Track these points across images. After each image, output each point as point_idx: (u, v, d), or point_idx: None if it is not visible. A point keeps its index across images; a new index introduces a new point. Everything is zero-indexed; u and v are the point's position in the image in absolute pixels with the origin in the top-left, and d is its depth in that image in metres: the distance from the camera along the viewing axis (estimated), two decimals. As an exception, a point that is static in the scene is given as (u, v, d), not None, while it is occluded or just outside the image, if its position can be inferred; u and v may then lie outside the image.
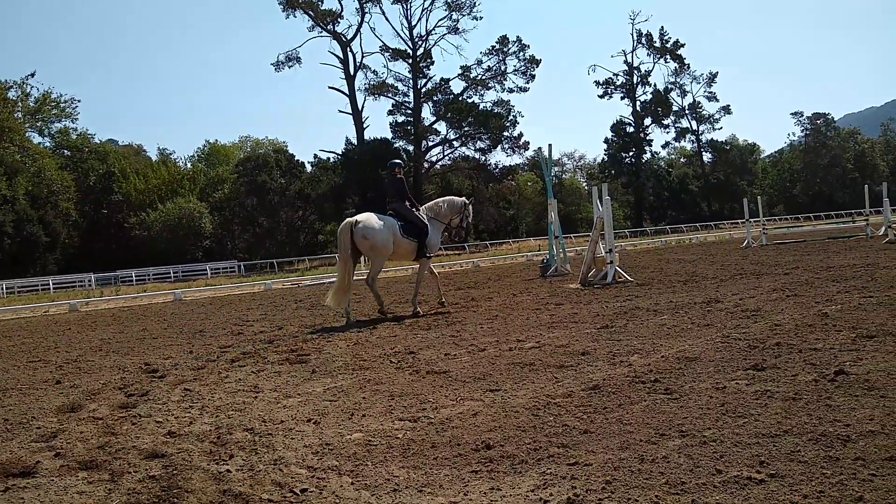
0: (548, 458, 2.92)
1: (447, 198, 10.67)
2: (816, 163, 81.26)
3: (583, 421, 3.41)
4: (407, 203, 9.72)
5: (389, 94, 64.18)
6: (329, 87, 62.82)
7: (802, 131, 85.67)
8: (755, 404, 3.43)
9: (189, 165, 72.80)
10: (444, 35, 64.58)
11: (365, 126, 62.11)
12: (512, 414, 3.67)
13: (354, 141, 62.40)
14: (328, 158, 64.43)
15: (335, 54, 61.73)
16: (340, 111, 62.91)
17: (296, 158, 64.52)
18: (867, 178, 67.32)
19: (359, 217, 9.45)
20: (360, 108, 62.05)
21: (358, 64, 62.27)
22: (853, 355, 4.34)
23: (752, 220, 21.92)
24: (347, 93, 61.84)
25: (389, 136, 64.42)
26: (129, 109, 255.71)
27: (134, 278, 41.32)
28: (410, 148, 65.02)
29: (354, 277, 9.93)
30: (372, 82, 63.16)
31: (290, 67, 61.00)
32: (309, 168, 64.89)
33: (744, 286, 9.19)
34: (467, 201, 10.55)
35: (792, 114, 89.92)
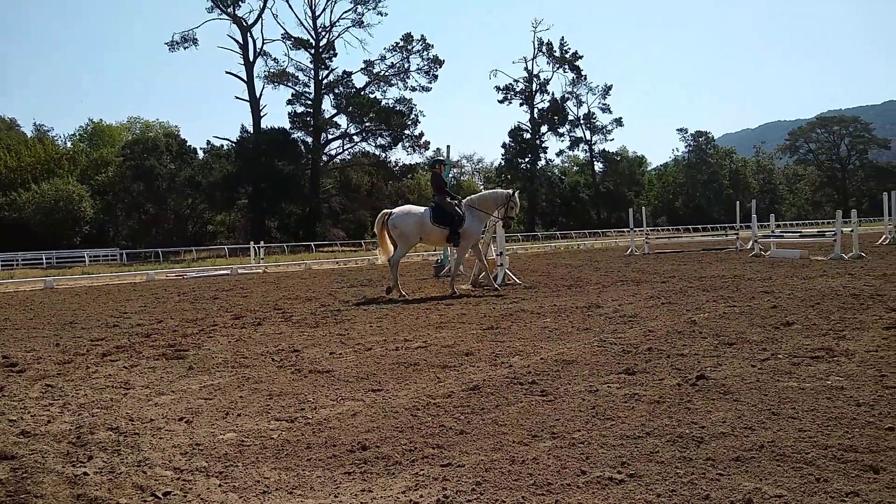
0: (422, 459, 2.94)
1: (492, 190, 11.82)
2: (697, 178, 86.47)
3: (460, 422, 3.47)
4: (446, 197, 10.89)
5: (289, 84, 62.75)
6: (226, 73, 60.72)
7: (686, 147, 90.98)
8: (623, 407, 3.60)
9: (69, 145, 68.13)
10: (348, 27, 63.86)
11: (262, 114, 60.44)
12: (391, 414, 3.67)
13: (251, 129, 60.54)
14: (222, 146, 62.24)
15: (235, 38, 59.76)
16: (237, 98, 60.95)
17: (187, 144, 61.98)
18: (740, 194, 72.32)
19: (394, 210, 11.08)
20: (258, 95, 60.32)
21: (258, 50, 60.53)
22: (714, 361, 4.64)
23: (636, 229, 23.02)
24: (245, 79, 59.94)
25: (288, 126, 62.91)
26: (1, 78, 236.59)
27: (-1, 264, 38.22)
28: (309, 140, 63.85)
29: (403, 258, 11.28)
30: (272, 70, 61.57)
31: (185, 48, 58.45)
32: (201, 155, 62.37)
33: (624, 292, 9.63)
34: (511, 193, 11.31)
35: (677, 130, 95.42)
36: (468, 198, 11.38)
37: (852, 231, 15.81)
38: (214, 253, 45.87)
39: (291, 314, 8.89)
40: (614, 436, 3.11)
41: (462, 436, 3.23)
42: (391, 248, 10.88)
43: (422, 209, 10.92)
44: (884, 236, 21.20)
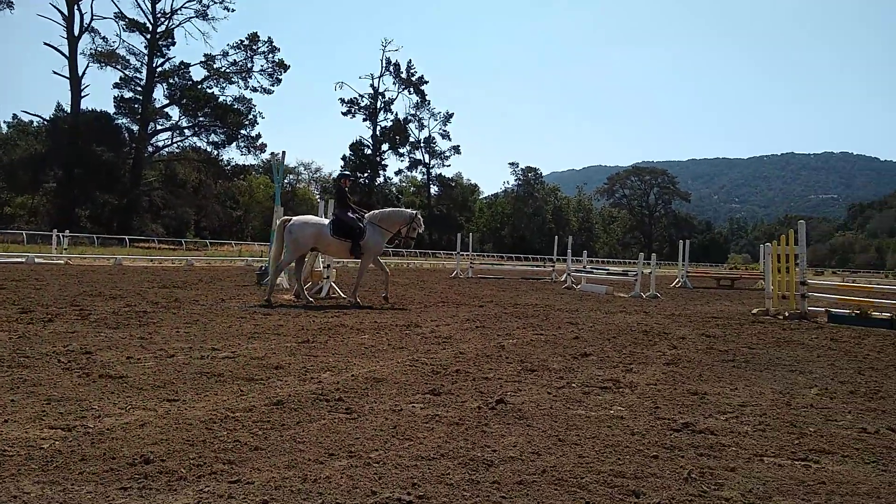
0: (209, 474, 2.80)
1: (396, 209, 12.40)
2: (523, 210, 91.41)
3: (257, 437, 3.35)
4: (349, 211, 11.25)
5: (118, 66, 58.30)
6: (45, 44, 55.01)
7: (516, 180, 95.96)
8: (423, 427, 3.67)
9: None
10: (190, 18, 60.77)
11: (83, 95, 55.45)
12: (184, 427, 3.47)
13: (68, 108, 55.25)
14: (31, 122, 56.30)
15: (58, 8, 54.40)
16: (55, 73, 55.31)
17: (-14, 115, 55.25)
18: (561, 229, 77.40)
19: (294, 217, 11.32)
20: (80, 73, 55.17)
21: (85, 25, 55.54)
22: (515, 386, 4.89)
23: (463, 253, 23.83)
24: (67, 54, 54.67)
25: (112, 110, 58.23)
26: None
27: None
28: (135, 128, 59.57)
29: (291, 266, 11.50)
30: (99, 48, 56.77)
31: (-1, 11, 52.21)
32: (5, 129, 55.95)
33: (443, 314, 9.89)
34: (415, 214, 11.77)
35: (510, 163, 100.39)
36: (371, 213, 11.73)
37: (651, 273, 17.46)
38: (9, 238, 41.06)
39: (90, 312, 8.16)
40: (410, 456, 3.16)
41: (256, 451, 3.12)
42: (280, 252, 11.16)
43: (323, 220, 11.28)
44: (677, 279, 23.62)
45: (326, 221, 11.20)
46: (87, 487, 2.61)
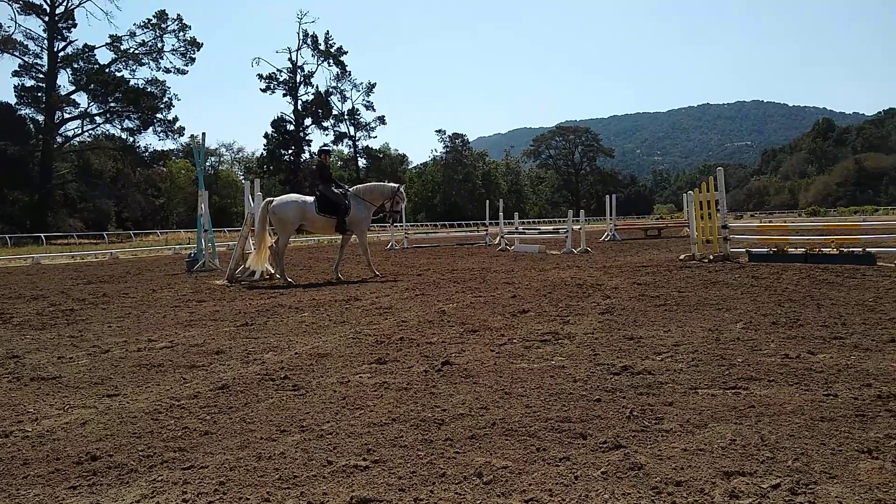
0: (161, 464, 2.77)
1: (379, 183, 12.11)
2: (453, 177, 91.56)
3: (205, 422, 3.32)
4: (332, 186, 11.15)
5: (16, 53, 54.96)
6: (-70, 33, 51.28)
7: (444, 148, 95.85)
8: (372, 396, 3.71)
9: None
10: (90, -4, 57.39)
11: (-21, 86, 51.96)
12: (129, 420, 3.40)
13: (-37, 102, 51.83)
14: (-78, 118, 52.57)
15: (-59, -6, 50.62)
16: (-56, 64, 51.71)
17: None
18: (491, 194, 77.99)
19: (276, 198, 11.13)
20: (-28, 64, 51.72)
21: (-27, 11, 51.83)
22: (459, 347, 4.98)
23: (396, 224, 23.75)
24: (-44, 43, 51.13)
25: (13, 100, 54.98)
26: None
27: None
28: (40, 118, 56.47)
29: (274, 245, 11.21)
30: (-7, 35, 53.22)
31: None
32: None
33: (381, 286, 9.90)
34: (398, 187, 11.64)
35: (436, 131, 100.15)
36: (355, 187, 11.66)
37: (580, 229, 17.87)
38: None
39: (11, 315, 7.81)
40: (362, 424, 3.20)
41: (207, 436, 3.10)
42: (269, 239, 11.18)
43: (307, 198, 11.10)
44: (606, 233, 24.25)
45: (311, 199, 11.05)
46: (34, 490, 2.55)
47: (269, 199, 11.23)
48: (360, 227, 11.38)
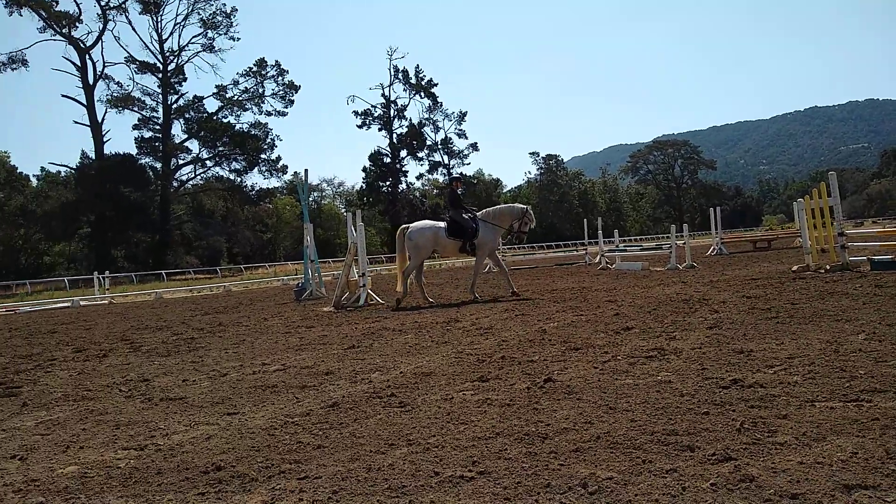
0: (279, 474, 2.93)
1: (508, 204, 12.36)
2: (549, 198, 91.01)
3: (318, 437, 3.48)
4: (462, 211, 11.74)
5: (135, 108, 59.56)
6: (63, 96, 56.55)
7: (538, 170, 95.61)
8: (476, 412, 3.77)
9: None
10: (198, 52, 61.86)
11: (106, 140, 56.80)
12: (248, 435, 3.62)
13: (92, 155, 56.61)
14: (59, 172, 57.96)
15: (71, 60, 55.78)
16: (76, 122, 56.83)
17: (18, 171, 56.87)
18: (589, 213, 76.89)
19: (412, 224, 11.94)
20: (99, 120, 56.55)
21: (99, 73, 56.83)
22: (561, 365, 4.96)
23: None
24: (85, 103, 56.04)
25: (135, 151, 59.58)
26: None
27: None
28: (158, 165, 60.79)
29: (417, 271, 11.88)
30: (115, 94, 58.02)
31: (14, 70, 53.65)
32: (35, 182, 57.54)
33: (480, 307, 9.98)
34: (527, 208, 12.00)
35: (530, 153, 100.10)
36: (483, 211, 12.07)
37: (685, 244, 17.32)
38: (52, 286, 42.21)
39: (140, 344, 8.43)
40: (466, 438, 3.26)
41: (319, 450, 3.25)
42: (407, 260, 11.69)
43: (439, 224, 11.76)
44: (712, 247, 23.37)
45: (442, 224, 11.68)
46: (167, 496, 2.76)
47: (404, 226, 11.94)
48: (484, 249, 11.74)
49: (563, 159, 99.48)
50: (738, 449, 2.81)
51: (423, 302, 11.49)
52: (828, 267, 11.24)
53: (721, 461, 2.69)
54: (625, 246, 23.91)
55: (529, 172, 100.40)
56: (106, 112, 57.42)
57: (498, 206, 12.36)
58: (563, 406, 3.75)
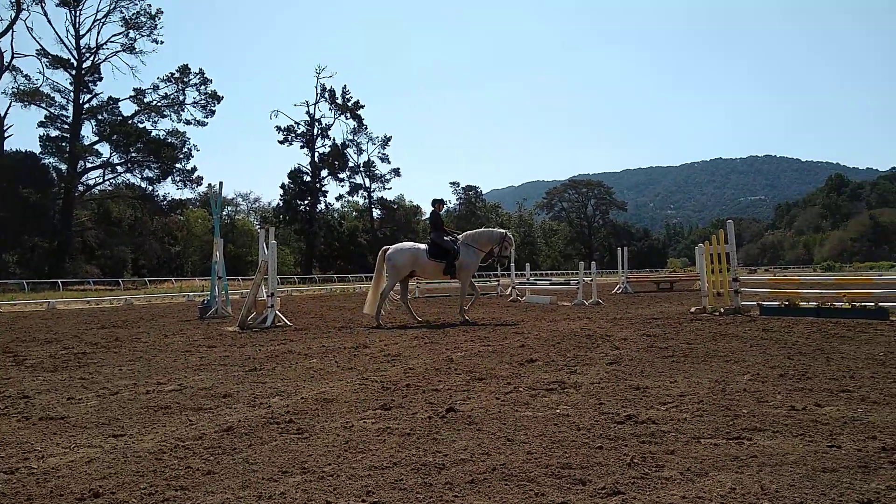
0: (162, 501, 2.80)
1: (488, 229, 12.78)
2: (466, 229, 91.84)
3: (209, 462, 3.35)
4: (443, 234, 12.03)
5: (43, 104, 56.32)
6: (-39, 86, 53.01)
7: (457, 200, 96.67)
8: (375, 440, 3.73)
9: None
10: (117, 52, 59.33)
11: (7, 136, 53.44)
12: (133, 459, 3.43)
13: (-10, 150, 53.15)
14: (-51, 166, 53.78)
15: (-26, 48, 52.38)
16: (-26, 113, 53.21)
17: None
18: (505, 245, 78.02)
19: (392, 245, 12.27)
20: (2, 114, 53.27)
21: (6, 64, 53.63)
22: (465, 395, 4.98)
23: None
24: (-13, 95, 52.70)
25: (38, 150, 56.31)
26: None
27: None
28: (63, 167, 57.63)
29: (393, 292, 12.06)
30: (21, 87, 54.82)
31: None
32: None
33: (390, 333, 9.93)
34: (506, 233, 12.37)
35: (450, 183, 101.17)
36: (464, 234, 12.44)
37: (592, 281, 17.86)
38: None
39: (25, 357, 7.90)
40: (363, 467, 3.21)
41: (209, 476, 3.13)
42: (384, 281, 11.87)
43: (420, 245, 12.08)
44: (618, 286, 24.20)
45: (423, 246, 11.98)
46: (35, 524, 2.58)
47: (385, 247, 12.22)
48: (467, 271, 12.01)
49: (482, 191, 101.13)
50: (627, 483, 2.89)
51: (410, 321, 11.84)
52: (722, 310, 11.85)
53: (610, 495, 2.76)
54: (536, 280, 24.44)
55: (449, 202, 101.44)
56: (10, 106, 54.21)
57: (479, 230, 12.73)
58: (463, 437, 3.76)
